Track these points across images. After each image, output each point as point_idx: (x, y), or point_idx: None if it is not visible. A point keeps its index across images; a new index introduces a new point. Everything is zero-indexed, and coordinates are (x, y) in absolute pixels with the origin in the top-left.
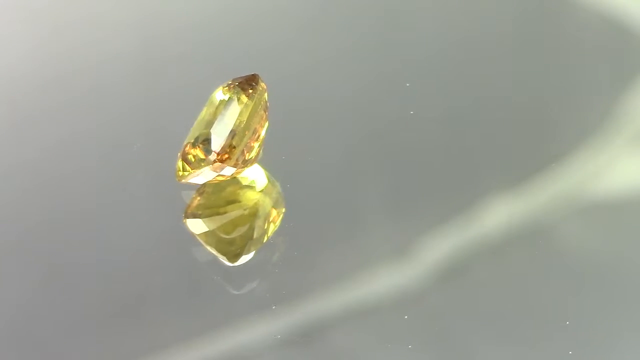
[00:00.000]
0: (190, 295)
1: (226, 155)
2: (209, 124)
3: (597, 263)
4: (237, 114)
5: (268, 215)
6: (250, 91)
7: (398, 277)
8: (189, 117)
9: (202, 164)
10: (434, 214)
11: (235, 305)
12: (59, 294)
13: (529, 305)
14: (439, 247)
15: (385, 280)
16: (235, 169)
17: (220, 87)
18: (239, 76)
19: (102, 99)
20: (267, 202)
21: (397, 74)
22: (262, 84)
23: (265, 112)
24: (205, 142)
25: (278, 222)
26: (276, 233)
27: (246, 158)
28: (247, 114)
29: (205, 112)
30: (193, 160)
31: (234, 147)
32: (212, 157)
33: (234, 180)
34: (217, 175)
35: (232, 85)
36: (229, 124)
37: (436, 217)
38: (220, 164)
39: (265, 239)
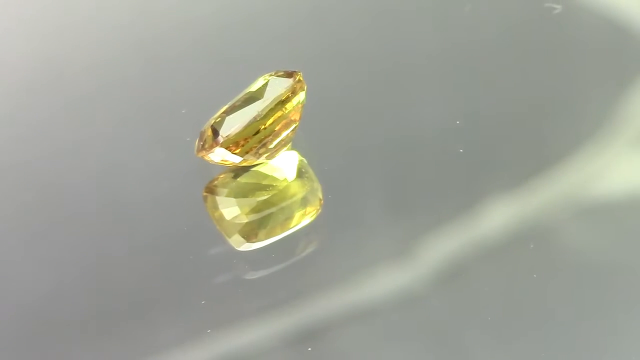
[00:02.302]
0: (190, 293)
1: (233, 144)
2: (233, 107)
3: (598, 264)
4: (261, 106)
5: (292, 207)
6: (287, 86)
7: (398, 278)
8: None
9: (212, 145)
10: (434, 214)
11: (233, 305)
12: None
13: (529, 307)
14: (440, 248)
15: (385, 281)
16: (242, 157)
17: (267, 75)
18: (286, 70)
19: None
20: (292, 194)
21: (396, 75)
22: (302, 82)
23: (298, 108)
24: (217, 124)
25: (308, 218)
26: (306, 228)
27: (261, 150)
28: (272, 107)
29: (240, 95)
30: (208, 139)
31: (245, 138)
32: (219, 140)
33: (267, 165)
34: (222, 160)
35: (273, 76)
36: (248, 114)
37: (436, 218)
38: (225, 150)
39: (286, 231)
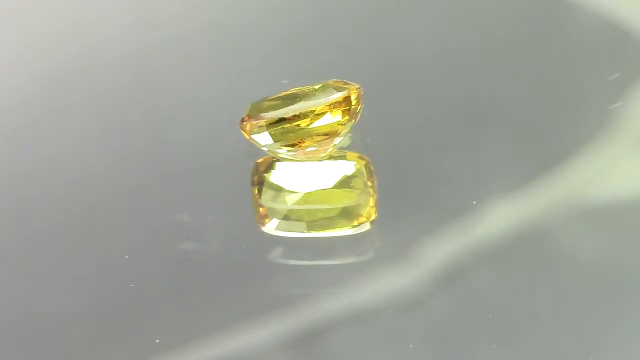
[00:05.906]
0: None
1: (250, 130)
2: (277, 98)
3: (598, 266)
4: (296, 106)
5: (326, 213)
6: (332, 98)
7: (398, 280)
8: None
9: (240, 124)
10: (433, 216)
11: (231, 307)
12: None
13: (529, 309)
14: (439, 250)
15: (384, 284)
16: (263, 146)
17: (329, 82)
18: (351, 83)
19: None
20: (331, 201)
21: (395, 74)
22: (355, 99)
23: (340, 123)
24: (251, 106)
25: (345, 230)
26: (344, 239)
27: (285, 147)
28: (305, 112)
29: (294, 88)
30: (242, 118)
31: (271, 130)
32: (243, 121)
33: (320, 164)
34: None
35: (329, 84)
36: (282, 109)
37: (436, 220)
38: (246, 132)
39: (312, 232)
